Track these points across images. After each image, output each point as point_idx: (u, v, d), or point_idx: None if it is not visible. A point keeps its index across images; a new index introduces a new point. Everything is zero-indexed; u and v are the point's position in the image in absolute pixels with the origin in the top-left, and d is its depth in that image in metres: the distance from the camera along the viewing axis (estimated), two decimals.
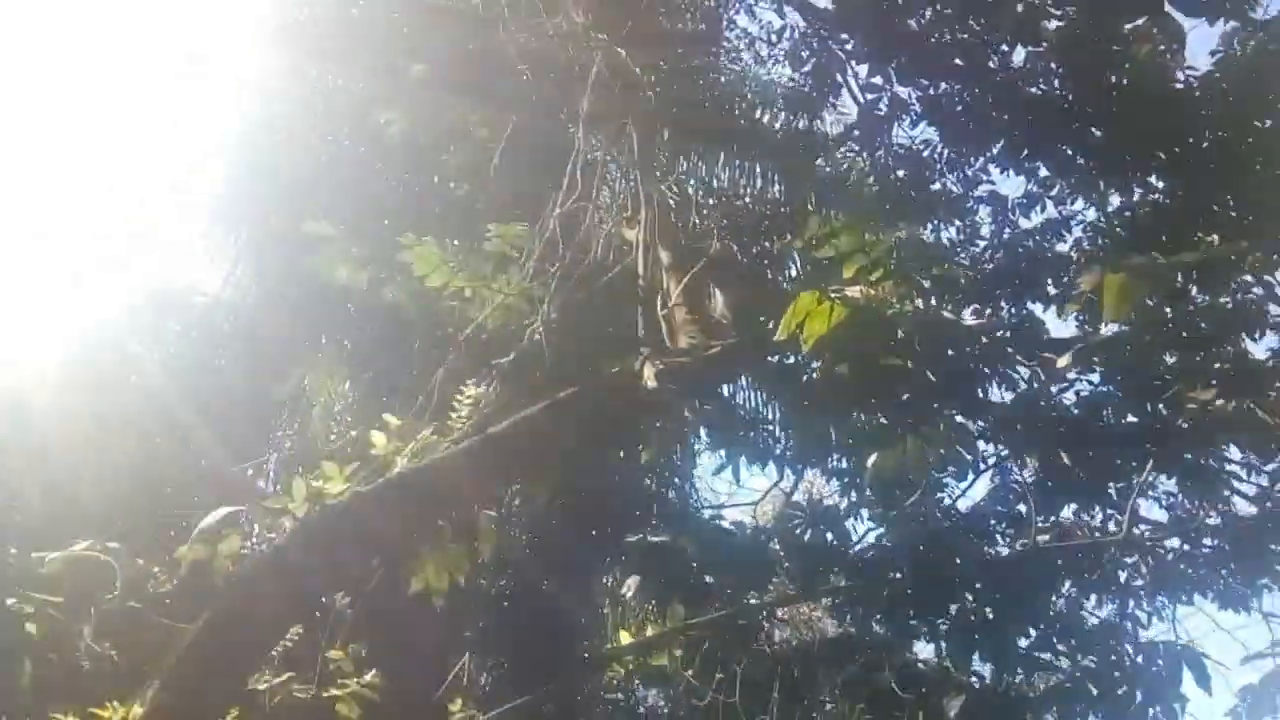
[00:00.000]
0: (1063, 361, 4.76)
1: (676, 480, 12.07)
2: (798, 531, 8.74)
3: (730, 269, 5.87)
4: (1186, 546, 7.63)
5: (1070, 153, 8.81)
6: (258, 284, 10.63)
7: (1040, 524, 7.51)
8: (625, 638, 5.68)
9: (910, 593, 6.64)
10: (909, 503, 6.11)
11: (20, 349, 10.25)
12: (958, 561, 6.77)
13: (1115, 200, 8.90)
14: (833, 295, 4.85)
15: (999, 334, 8.32)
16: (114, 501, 9.57)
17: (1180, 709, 5.95)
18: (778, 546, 8.83)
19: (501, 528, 6.67)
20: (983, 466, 7.65)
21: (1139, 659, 6.13)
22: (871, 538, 8.31)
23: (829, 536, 8.73)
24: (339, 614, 4.42)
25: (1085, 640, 7.18)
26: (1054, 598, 7.09)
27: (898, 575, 6.91)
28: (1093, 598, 7.94)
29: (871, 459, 5.25)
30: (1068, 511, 8.01)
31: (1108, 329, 4.61)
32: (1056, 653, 6.43)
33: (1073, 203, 9.14)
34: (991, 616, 6.33)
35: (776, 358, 5.05)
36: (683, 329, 5.28)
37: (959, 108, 8.92)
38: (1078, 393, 6.95)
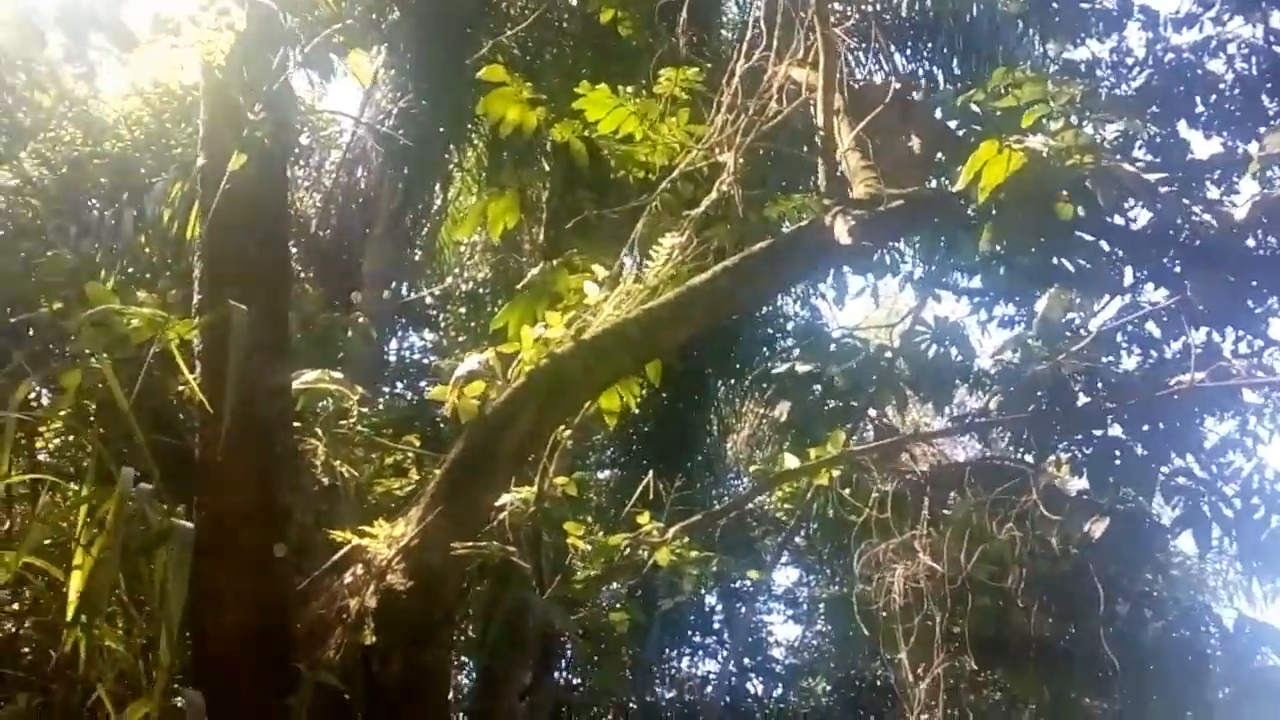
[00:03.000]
0: (1240, 214, 4.87)
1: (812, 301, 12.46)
2: (922, 348, 9.09)
3: (902, 111, 5.92)
4: None
5: None
6: (399, 105, 10.81)
7: (1171, 348, 7.69)
8: (790, 460, 6.13)
9: (1054, 415, 6.91)
10: (1078, 347, 6.28)
11: None
12: (1099, 386, 7.01)
13: (1276, 18, 8.60)
14: (1012, 144, 5.01)
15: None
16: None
17: None
18: (904, 364, 9.18)
19: None
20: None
21: (1277, 485, 6.38)
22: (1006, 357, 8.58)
23: (953, 352, 9.05)
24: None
25: (1208, 457, 7.43)
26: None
27: (1040, 397, 7.17)
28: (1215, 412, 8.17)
29: (1042, 304, 5.47)
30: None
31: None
32: (1196, 480, 6.66)
33: (1230, 21, 8.82)
34: (1135, 444, 6.60)
35: (962, 206, 5.21)
36: (858, 175, 5.44)
37: None
38: None
